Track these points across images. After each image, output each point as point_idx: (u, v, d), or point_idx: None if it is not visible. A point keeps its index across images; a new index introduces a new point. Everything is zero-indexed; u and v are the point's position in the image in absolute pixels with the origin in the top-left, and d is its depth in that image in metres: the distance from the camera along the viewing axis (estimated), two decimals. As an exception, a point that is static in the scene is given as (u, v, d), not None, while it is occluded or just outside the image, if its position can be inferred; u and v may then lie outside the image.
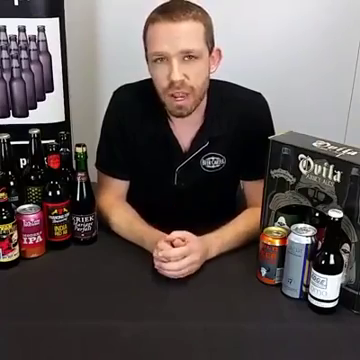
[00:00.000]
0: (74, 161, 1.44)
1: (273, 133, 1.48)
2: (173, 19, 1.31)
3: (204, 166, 1.51)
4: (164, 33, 1.32)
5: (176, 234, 1.31)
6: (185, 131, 1.50)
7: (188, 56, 1.33)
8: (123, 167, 1.56)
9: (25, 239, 1.36)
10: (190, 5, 1.36)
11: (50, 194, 1.39)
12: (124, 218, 1.49)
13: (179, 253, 1.26)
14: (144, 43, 1.40)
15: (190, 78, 1.35)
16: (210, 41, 1.38)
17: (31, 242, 1.37)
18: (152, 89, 1.43)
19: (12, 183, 1.42)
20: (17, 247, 1.35)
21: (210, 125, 1.48)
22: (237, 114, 1.48)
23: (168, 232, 1.35)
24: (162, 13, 1.34)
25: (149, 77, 1.46)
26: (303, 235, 1.21)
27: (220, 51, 1.43)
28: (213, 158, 1.51)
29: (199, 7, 1.38)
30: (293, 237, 1.21)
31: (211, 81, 1.45)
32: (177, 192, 1.54)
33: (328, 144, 1.23)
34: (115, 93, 1.56)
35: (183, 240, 1.30)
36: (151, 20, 1.36)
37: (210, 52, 1.39)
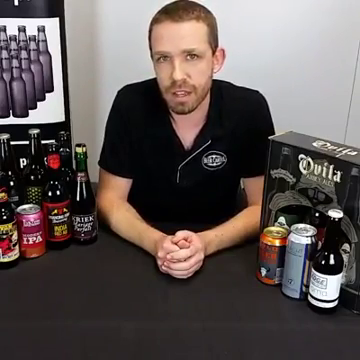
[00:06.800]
0: (74, 161, 1.44)
1: (272, 129, 1.52)
2: (175, 19, 1.33)
3: (205, 164, 1.54)
4: (167, 33, 1.35)
5: (181, 235, 1.32)
6: (188, 130, 1.52)
7: (190, 55, 1.35)
8: (126, 165, 1.57)
9: (25, 239, 1.36)
10: (194, 5, 1.38)
11: (50, 194, 1.39)
12: (124, 217, 1.49)
13: (188, 253, 1.28)
14: (149, 43, 1.42)
15: (192, 77, 1.37)
16: (213, 41, 1.40)
17: (31, 242, 1.37)
18: (155, 88, 1.45)
19: (12, 183, 1.41)
20: (17, 247, 1.34)
21: (212, 124, 1.51)
22: (237, 112, 1.51)
23: (168, 231, 1.36)
24: (165, 13, 1.36)
25: (151, 77, 1.48)
26: (303, 235, 1.21)
27: (224, 51, 1.45)
28: (214, 156, 1.53)
29: (203, 7, 1.39)
30: (293, 237, 1.21)
31: (212, 81, 1.47)
32: (179, 190, 1.56)
33: (328, 144, 1.23)
34: (119, 92, 1.58)
35: (186, 239, 1.31)
36: (155, 20, 1.38)
37: (213, 52, 1.41)
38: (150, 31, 1.40)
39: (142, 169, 1.57)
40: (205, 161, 1.53)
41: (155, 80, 1.45)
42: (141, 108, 1.53)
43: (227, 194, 1.67)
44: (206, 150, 1.52)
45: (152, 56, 1.42)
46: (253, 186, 1.54)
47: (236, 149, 1.53)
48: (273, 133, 1.42)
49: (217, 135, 1.51)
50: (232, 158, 1.54)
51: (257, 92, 1.55)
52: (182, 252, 1.28)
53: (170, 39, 1.35)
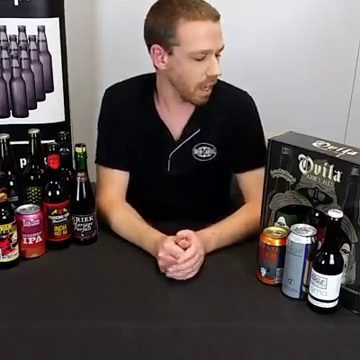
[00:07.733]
0: (74, 161, 1.44)
1: (261, 128, 1.57)
2: (213, 18, 1.38)
3: (196, 155, 1.56)
4: (208, 31, 1.38)
5: (182, 234, 1.32)
6: (176, 120, 1.56)
7: (220, 52, 1.43)
8: (122, 158, 1.59)
9: (25, 239, 1.36)
10: (206, 2, 1.42)
11: (50, 194, 1.39)
12: (124, 217, 1.49)
13: (192, 253, 1.28)
14: (170, 38, 1.39)
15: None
16: None
17: (31, 242, 1.37)
18: (142, 84, 1.55)
19: (12, 183, 1.41)
20: (17, 247, 1.34)
21: (201, 114, 1.54)
22: (227, 109, 1.54)
23: (168, 231, 1.36)
24: (197, 11, 1.37)
25: (137, 75, 1.57)
26: (303, 235, 1.21)
27: None
28: (204, 148, 1.56)
29: None
30: (293, 237, 1.21)
31: None
32: (170, 180, 1.58)
33: (328, 144, 1.23)
34: (107, 91, 1.62)
35: (186, 238, 1.32)
36: (187, 16, 1.37)
37: None
38: (174, 27, 1.37)
39: (135, 163, 1.59)
40: (196, 152, 1.56)
41: (142, 77, 1.55)
42: (130, 104, 1.56)
43: (218, 187, 1.69)
44: (196, 140, 1.55)
45: (171, 52, 1.41)
46: (246, 182, 1.58)
47: (225, 144, 1.56)
48: (262, 132, 1.52)
49: (206, 125, 1.54)
50: (222, 152, 1.57)
51: (246, 92, 1.58)
52: (187, 252, 1.28)
53: (212, 38, 1.39)
